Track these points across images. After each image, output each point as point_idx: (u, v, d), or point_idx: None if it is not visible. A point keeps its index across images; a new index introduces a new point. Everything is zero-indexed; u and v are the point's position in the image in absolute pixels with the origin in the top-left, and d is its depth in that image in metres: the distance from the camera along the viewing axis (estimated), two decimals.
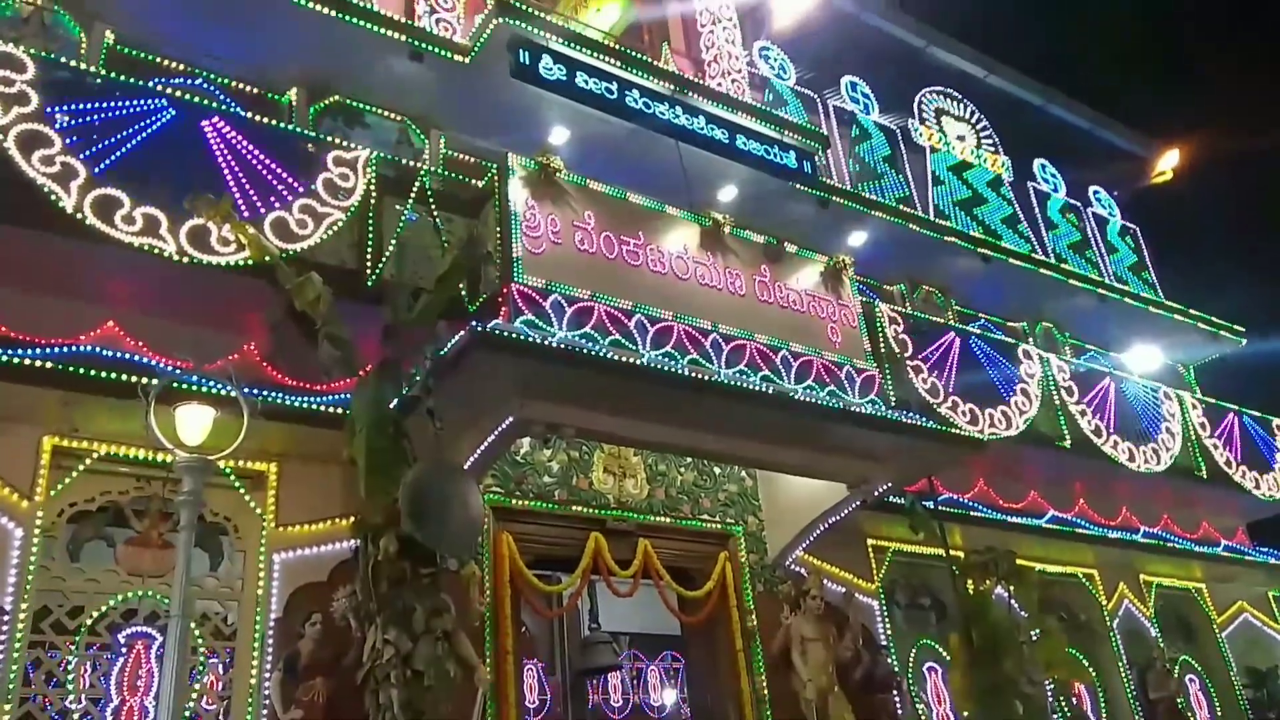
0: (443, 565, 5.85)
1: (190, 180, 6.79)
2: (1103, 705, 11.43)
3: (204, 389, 6.17)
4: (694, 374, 7.48)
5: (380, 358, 6.45)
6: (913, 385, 10.28)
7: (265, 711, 6.51)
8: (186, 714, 6.31)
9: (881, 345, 10.11)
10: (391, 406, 6.17)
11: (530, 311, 7.04)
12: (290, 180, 7.30)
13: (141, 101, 6.99)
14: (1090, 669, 11.28)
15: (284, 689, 6.55)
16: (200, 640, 6.64)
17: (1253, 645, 13.53)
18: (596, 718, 14.38)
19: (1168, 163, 16.93)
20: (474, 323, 6.45)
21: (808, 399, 8.16)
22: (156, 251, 6.58)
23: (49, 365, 6.26)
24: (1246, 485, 13.43)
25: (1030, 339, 13.72)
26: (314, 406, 7.06)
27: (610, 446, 8.67)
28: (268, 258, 6.59)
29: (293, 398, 7.03)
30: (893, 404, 9.43)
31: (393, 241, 7.57)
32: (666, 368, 7.37)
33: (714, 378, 7.67)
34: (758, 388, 7.86)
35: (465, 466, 6.74)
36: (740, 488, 9.51)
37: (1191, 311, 15.18)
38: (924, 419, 9.14)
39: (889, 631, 9.88)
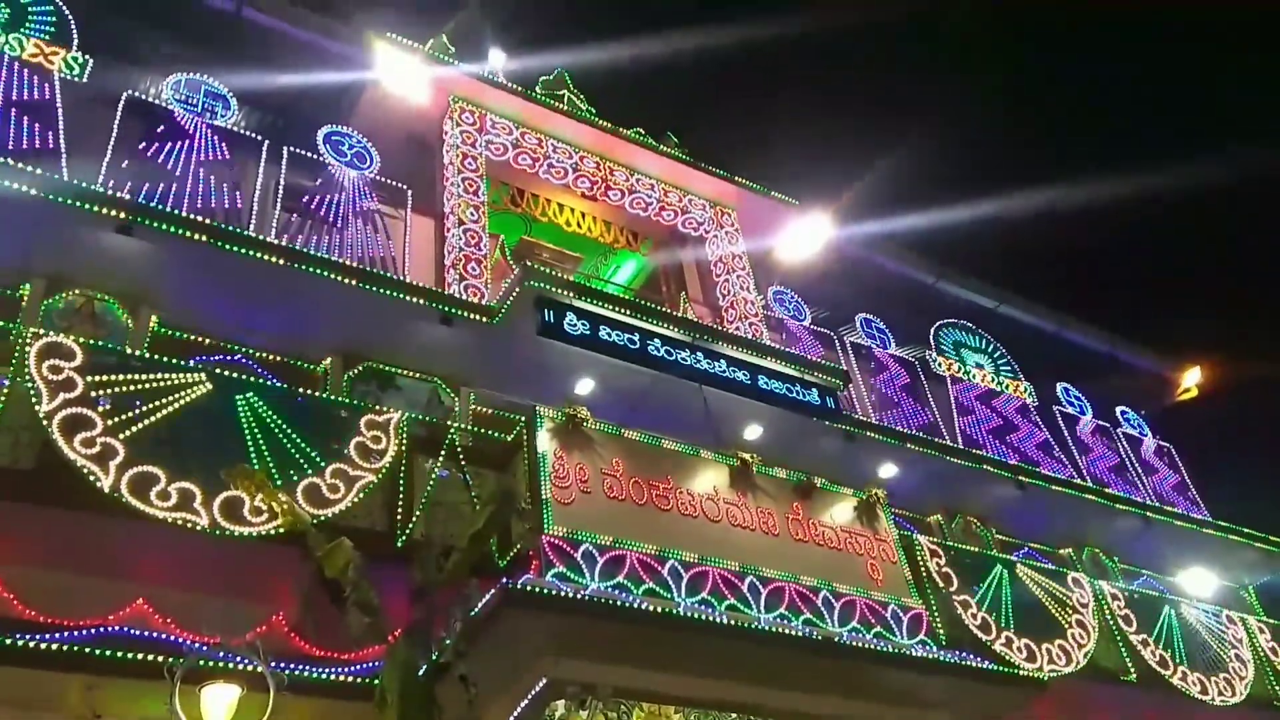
0: None
1: (225, 453, 6.97)
2: None
3: (230, 665, 6.02)
4: (733, 620, 7.23)
5: (410, 621, 6.33)
6: (962, 621, 9.85)
7: None
8: None
9: (925, 579, 9.79)
10: (421, 674, 5.97)
11: (561, 563, 6.93)
12: (323, 447, 7.44)
13: (180, 379, 7.27)
14: None
15: None
16: None
17: None
18: None
19: (1191, 379, 17.04)
20: (505, 579, 6.35)
21: (854, 642, 7.82)
22: (190, 526, 6.62)
23: (75, 649, 6.14)
24: None
25: (1078, 566, 13.27)
26: (342, 678, 6.82)
27: (649, 705, 8.22)
28: (300, 525, 6.63)
29: (320, 670, 6.81)
30: (944, 643, 9.00)
31: (423, 500, 7.60)
32: (703, 615, 7.13)
33: (754, 624, 7.40)
34: (801, 632, 7.57)
35: None
36: None
37: (1245, 530, 14.70)
38: (978, 659, 8.69)
39: None
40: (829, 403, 10.86)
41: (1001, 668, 8.93)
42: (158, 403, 7.04)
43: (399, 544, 7.30)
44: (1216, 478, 16.24)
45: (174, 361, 7.48)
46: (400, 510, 7.49)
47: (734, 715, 8.61)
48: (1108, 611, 11.13)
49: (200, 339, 8.84)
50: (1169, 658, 11.26)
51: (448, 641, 6.07)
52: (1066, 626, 10.59)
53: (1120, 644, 10.98)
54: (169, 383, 7.21)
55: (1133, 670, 10.85)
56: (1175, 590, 13.44)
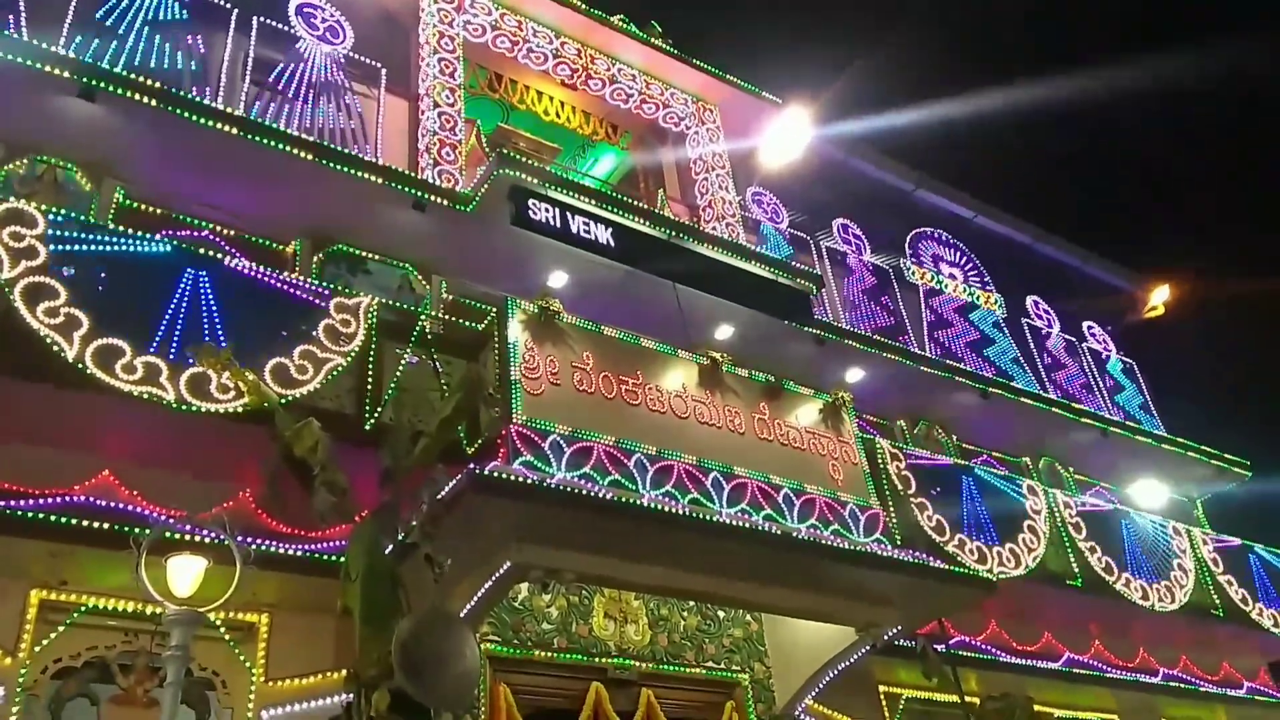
0: None
1: (192, 329, 6.89)
2: None
3: (196, 538, 6.07)
4: (695, 513, 7.37)
5: (377, 503, 6.38)
6: (918, 523, 10.12)
7: None
8: None
9: (884, 482, 10.01)
10: (387, 553, 6.06)
11: (529, 452, 7.00)
12: (291, 327, 7.38)
13: (147, 253, 7.14)
14: None
15: None
16: None
17: None
18: None
19: (1159, 297, 17.22)
20: (472, 465, 6.40)
21: (811, 538, 8.02)
22: (156, 399, 6.58)
23: (41, 516, 6.17)
24: (1265, 623, 13.05)
25: (1034, 475, 13.61)
26: (308, 554, 6.95)
27: (611, 591, 8.46)
28: (267, 404, 6.61)
29: (286, 546, 6.93)
30: (899, 543, 9.26)
31: (392, 385, 7.60)
32: (667, 508, 7.26)
33: (715, 517, 7.55)
34: (760, 527, 7.74)
35: (462, 614, 6.56)
36: (745, 632, 9.23)
37: (1195, 445, 15.11)
38: (931, 558, 8.96)
39: None
40: (801, 306, 10.89)
41: (953, 568, 9.20)
42: (123, 275, 6.92)
43: (367, 427, 7.31)
44: (1175, 394, 16.59)
45: (140, 235, 7.33)
46: (369, 394, 7.48)
47: (692, 603, 8.93)
48: (1059, 519, 11.47)
49: (165, 213, 8.64)
50: (1114, 564, 11.68)
51: (414, 523, 6.13)
52: (1018, 531, 10.92)
53: (1069, 550, 11.36)
54: (135, 255, 7.08)
55: (1079, 575, 11.26)
56: (1126, 501, 13.86)
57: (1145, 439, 14.63)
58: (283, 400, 6.87)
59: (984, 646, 10.62)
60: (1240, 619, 12.84)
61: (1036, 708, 9.09)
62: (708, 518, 7.45)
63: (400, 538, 6.09)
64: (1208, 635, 12.83)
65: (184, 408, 6.64)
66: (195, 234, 8.65)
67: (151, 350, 6.70)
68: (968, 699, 8.85)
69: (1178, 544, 12.74)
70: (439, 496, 6.35)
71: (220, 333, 6.97)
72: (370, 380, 7.53)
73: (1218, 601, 12.66)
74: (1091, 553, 11.54)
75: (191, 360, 6.65)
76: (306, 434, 6.25)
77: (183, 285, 7.10)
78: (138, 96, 8.06)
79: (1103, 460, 14.44)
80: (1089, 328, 16.51)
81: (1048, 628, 11.53)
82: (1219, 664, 13.28)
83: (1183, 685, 12.21)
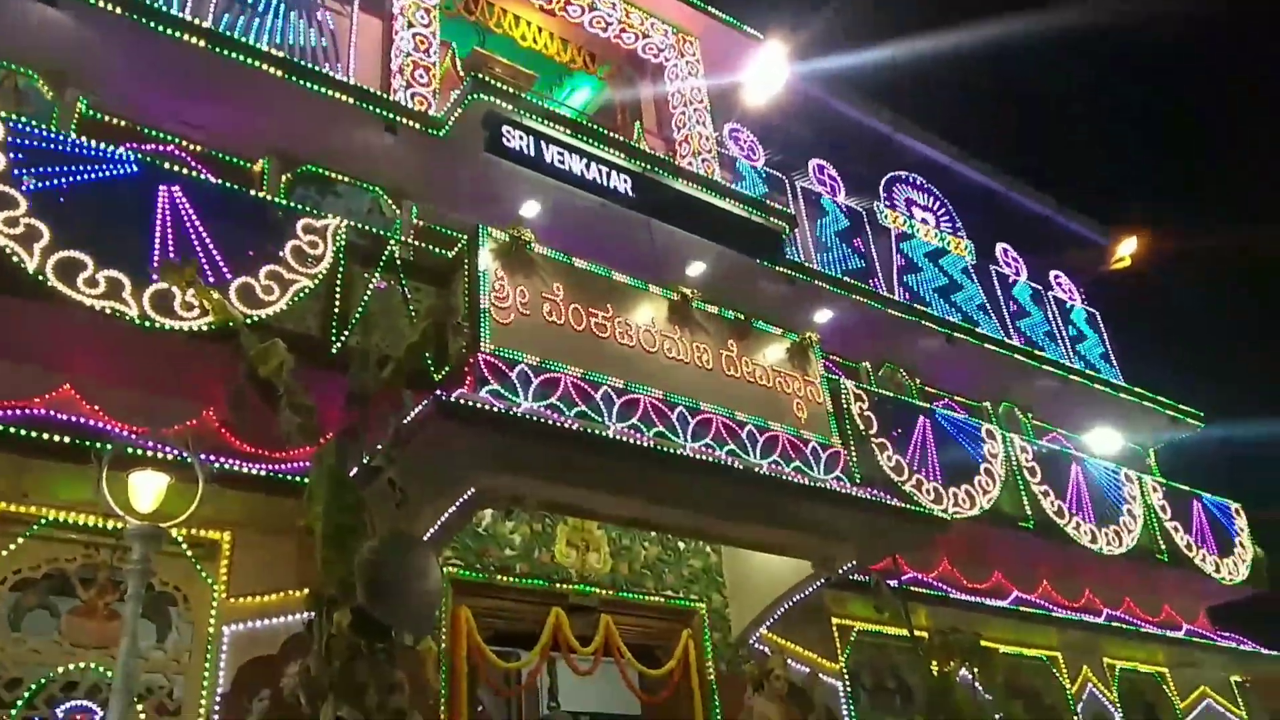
0: (398, 641, 5.72)
1: (156, 244, 6.79)
2: None
3: (159, 455, 6.07)
4: (660, 447, 7.46)
5: (342, 425, 6.39)
6: (878, 463, 10.31)
7: None
8: None
9: (847, 422, 10.16)
10: (352, 476, 6.09)
11: (496, 381, 7.02)
12: (258, 246, 7.29)
13: (110, 166, 7.00)
14: None
15: None
16: (143, 715, 6.39)
17: None
18: None
19: (1126, 249, 17.39)
20: (439, 392, 6.42)
21: (773, 474, 8.15)
22: (119, 315, 6.51)
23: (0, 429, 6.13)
24: (1206, 569, 13.51)
25: (994, 420, 13.86)
26: (272, 474, 6.96)
27: (574, 519, 8.58)
28: (231, 323, 6.56)
29: (250, 465, 6.93)
30: (858, 481, 9.44)
31: (359, 310, 7.56)
32: (632, 440, 7.34)
33: (680, 451, 7.65)
34: (723, 461, 7.85)
35: (425, 538, 6.64)
36: (704, 563, 9.42)
37: (1152, 395, 15.43)
38: (888, 497, 9.15)
39: (853, 713, 9.72)
40: (774, 245, 10.90)
41: (908, 506, 9.40)
42: (85, 187, 6.79)
43: (333, 351, 7.29)
44: (1135, 345, 16.87)
45: (104, 146, 7.17)
46: (335, 317, 7.44)
47: (654, 534, 9.08)
48: (1015, 463, 11.73)
49: (130, 125, 8.45)
50: (1066, 508, 11.99)
51: (379, 446, 6.16)
52: (974, 474, 11.16)
53: (1023, 493, 11.65)
54: (98, 167, 6.93)
55: (1031, 517, 11.56)
56: (1082, 448, 14.18)
57: (1104, 388, 14.91)
58: (248, 320, 6.82)
59: (935, 583, 10.90)
60: (1184, 564, 13.29)
61: (983, 644, 9.37)
62: (672, 451, 7.54)
63: (365, 461, 6.12)
64: (1151, 579, 13.27)
65: (147, 324, 6.58)
66: (160, 148, 8.47)
67: (114, 265, 6.61)
68: (917, 633, 9.11)
69: (1128, 490, 13.09)
70: (405, 421, 6.39)
71: (184, 250, 6.87)
72: (337, 303, 7.49)
73: (1163, 546, 13.07)
74: (1044, 496, 11.84)
75: (155, 276, 6.57)
76: (272, 355, 6.22)
77: (147, 200, 6.98)
78: (102, 3, 7.82)
79: (1062, 407, 14.72)
80: (1055, 277, 16.68)
81: (998, 567, 11.85)
82: (1160, 606, 13.75)
83: (1124, 626, 12.63)
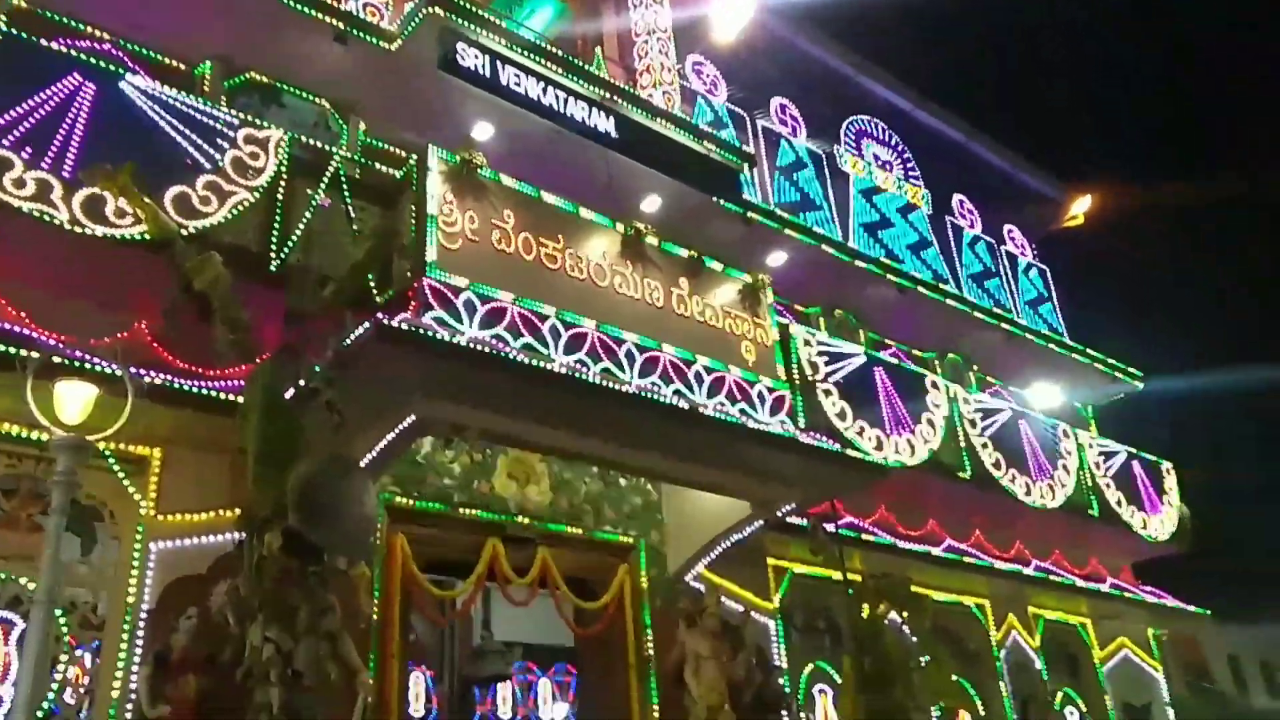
0: (331, 564, 5.65)
1: (89, 147, 6.49)
2: None
3: (88, 366, 5.87)
4: (605, 383, 7.39)
5: (280, 345, 6.24)
6: (822, 408, 10.37)
7: (131, 707, 6.17)
8: (46, 706, 5.94)
9: (794, 367, 10.18)
10: (288, 396, 5.96)
11: (441, 308, 6.87)
12: (196, 155, 7.01)
13: (44, 62, 6.65)
14: (976, 698, 11.51)
15: (153, 684, 6.20)
16: (66, 629, 6.27)
17: (1131, 682, 13.99)
18: None
19: (1079, 207, 17.53)
20: (381, 315, 6.26)
21: (718, 414, 8.15)
22: (47, 219, 6.23)
23: None
24: (1135, 525, 13.90)
25: (939, 371, 14.00)
26: (205, 391, 6.77)
27: (515, 451, 8.52)
28: (166, 234, 6.33)
29: (183, 381, 6.73)
30: (801, 426, 9.48)
31: (301, 226, 7.32)
32: (578, 375, 7.26)
33: (626, 388, 7.59)
34: (669, 401, 7.81)
35: (363, 464, 6.53)
36: (645, 500, 9.44)
37: (1092, 352, 15.71)
38: (831, 442, 9.21)
39: (784, 652, 9.90)
40: (731, 183, 10.77)
41: (848, 452, 9.48)
42: (16, 84, 6.43)
43: (273, 268, 7.08)
44: (1083, 302, 17.13)
45: (38, 42, 6.79)
46: (276, 233, 7.20)
47: (595, 469, 9.07)
48: (957, 414, 11.89)
49: (66, 21, 8.01)
50: (1004, 461, 12.21)
51: (317, 368, 6.02)
52: (916, 423, 11.29)
53: (963, 443, 11.82)
54: (29, 63, 6.57)
55: (969, 468, 11.76)
56: (1024, 402, 14.41)
57: (1048, 344, 15.14)
58: (183, 232, 6.57)
59: (871, 529, 11.08)
60: (1113, 520, 13.65)
61: (914, 589, 9.58)
62: (618, 388, 7.48)
63: (302, 382, 5.98)
64: (1081, 533, 13.62)
65: (77, 229, 6.31)
66: (97, 46, 8.05)
67: (44, 166, 6.31)
68: (850, 576, 9.25)
69: (1065, 446, 13.36)
70: (345, 344, 6.24)
71: (118, 154, 6.55)
72: (278, 219, 7.25)
73: (1095, 502, 13.41)
74: (983, 448, 12.03)
75: (87, 181, 6.29)
76: (208, 268, 6.03)
77: (80, 99, 6.65)
78: None
79: (1006, 361, 14.92)
80: (1009, 231, 16.79)
81: (933, 515, 12.07)
82: (1088, 560, 14.15)
83: (1052, 577, 12.99)
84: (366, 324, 6.18)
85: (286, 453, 5.60)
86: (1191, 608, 14.80)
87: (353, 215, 7.65)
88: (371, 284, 7.22)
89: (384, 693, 7.09)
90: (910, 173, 15.36)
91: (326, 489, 5.39)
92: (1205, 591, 15.40)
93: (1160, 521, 14.37)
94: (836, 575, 9.20)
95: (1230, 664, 24.36)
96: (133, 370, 5.87)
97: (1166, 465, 15.08)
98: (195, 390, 6.73)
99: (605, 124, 9.72)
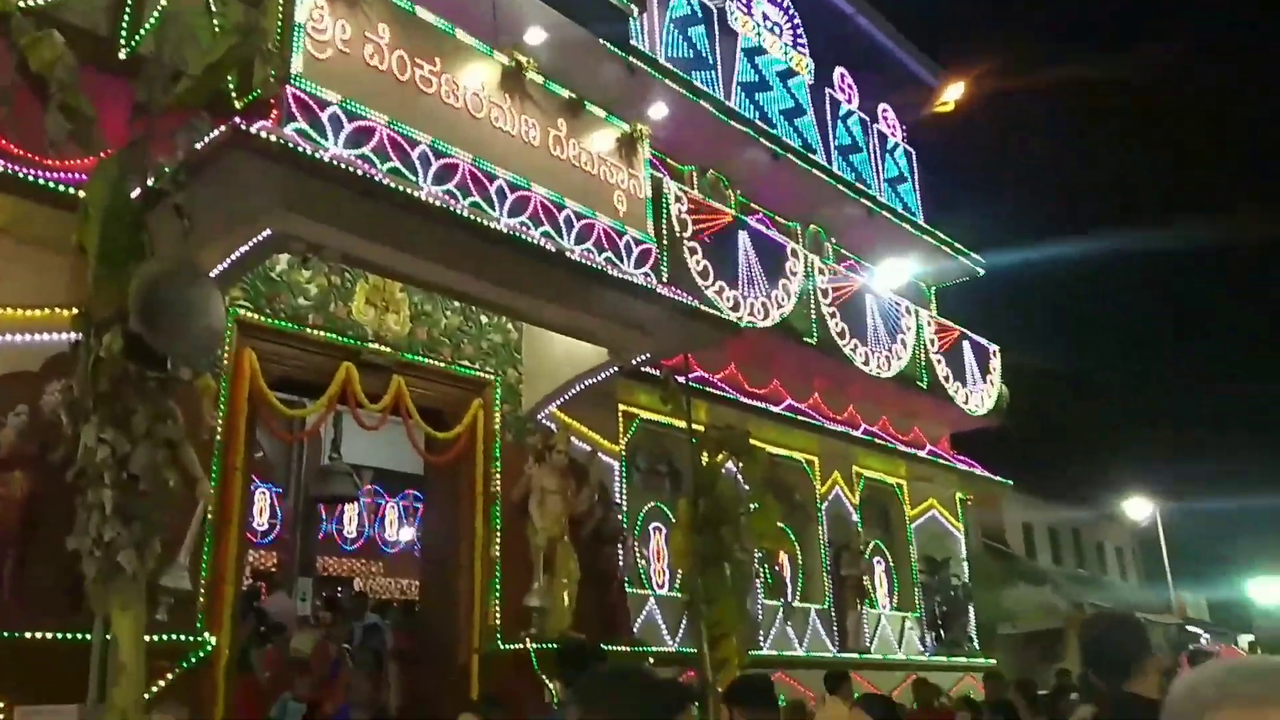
0: (174, 372, 5.54)
1: None
2: (801, 576, 12.68)
3: None
4: (474, 217, 7.31)
5: (127, 139, 5.88)
6: (686, 265, 10.58)
7: None
8: None
9: (664, 221, 10.29)
10: (134, 196, 5.67)
11: (305, 120, 6.57)
12: None
13: None
14: (796, 544, 12.45)
15: None
16: None
17: (935, 538, 15.38)
18: (328, 547, 14.40)
19: (952, 93, 17.93)
20: (239, 120, 5.95)
21: (585, 261, 8.21)
22: None
23: None
24: (958, 400, 14.99)
25: (801, 240, 14.41)
26: (45, 182, 6.35)
27: (375, 277, 8.40)
28: (2, 5, 5.78)
29: (18, 168, 6.29)
30: (664, 279, 9.68)
31: (156, 14, 6.79)
32: (446, 205, 7.15)
33: (494, 224, 7.53)
34: (537, 242, 7.81)
35: (212, 274, 6.31)
36: (504, 338, 9.54)
37: (943, 236, 16.45)
38: (690, 299, 9.45)
39: (625, 491, 10.40)
40: (618, 23, 10.52)
41: (706, 309, 9.77)
42: None
43: (123, 55, 6.58)
44: (941, 187, 17.75)
45: None
46: (128, 18, 6.67)
47: (457, 303, 9.06)
48: (812, 283, 12.35)
49: None
50: (848, 330, 12.84)
51: (167, 169, 5.72)
52: (773, 288, 11.68)
53: (813, 311, 12.35)
54: None
55: (816, 334, 12.33)
56: (873, 276, 15.06)
57: (904, 224, 15.74)
58: (20, 3, 6.00)
59: (720, 384, 11.57)
60: (939, 393, 14.67)
61: (752, 442, 10.14)
62: (487, 224, 7.41)
63: (150, 182, 5.68)
64: (909, 402, 14.61)
65: None
66: None
67: None
68: (695, 426, 9.70)
69: (905, 322, 14.14)
70: (198, 146, 5.93)
71: None
72: (130, 2, 6.68)
73: (925, 375, 14.34)
74: (831, 317, 12.61)
75: None
76: (46, 47, 5.55)
77: None
78: None
79: (863, 237, 15.47)
80: (883, 110, 17.09)
81: (778, 376, 12.68)
82: (911, 427, 15.23)
83: (877, 441, 13.95)
84: (223, 128, 5.87)
85: (129, 253, 5.38)
86: (997, 478, 16.26)
87: (213, 8, 7.13)
88: (230, 86, 6.82)
89: (226, 505, 7.11)
90: (798, 40, 15.31)
91: (171, 294, 5.23)
92: (1010, 464, 16.92)
93: (981, 398, 15.53)
94: (682, 424, 9.61)
95: (1023, 530, 27.01)
96: None
97: (994, 348, 16.19)
98: (33, 179, 6.30)
99: None
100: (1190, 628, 25.29)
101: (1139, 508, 28.34)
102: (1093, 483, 30.56)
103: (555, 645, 8.07)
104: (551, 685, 8.26)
